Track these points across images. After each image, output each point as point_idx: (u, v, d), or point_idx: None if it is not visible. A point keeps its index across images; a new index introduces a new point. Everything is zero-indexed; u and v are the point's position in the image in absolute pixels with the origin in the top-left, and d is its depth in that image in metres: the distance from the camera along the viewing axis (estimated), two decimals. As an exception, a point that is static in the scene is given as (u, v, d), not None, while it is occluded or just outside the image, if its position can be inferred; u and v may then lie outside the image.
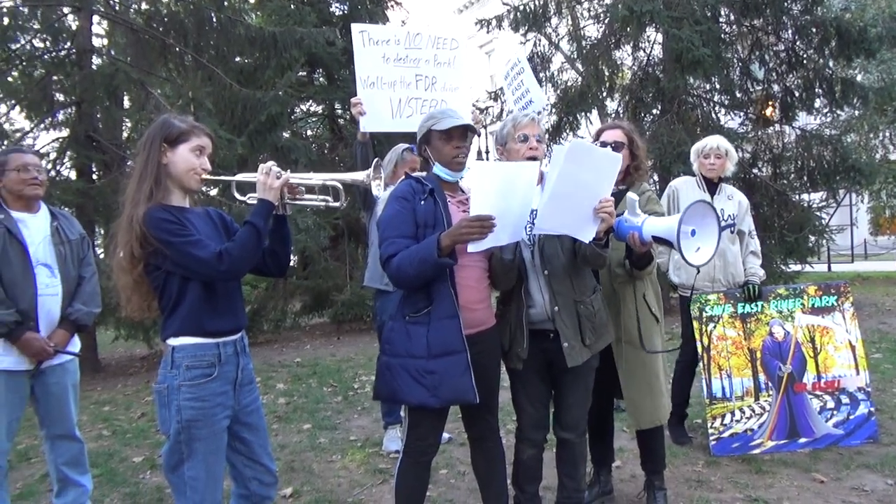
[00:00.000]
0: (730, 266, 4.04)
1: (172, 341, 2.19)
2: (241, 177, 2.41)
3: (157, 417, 2.23)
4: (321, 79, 11.90)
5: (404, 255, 2.30)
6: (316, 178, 2.37)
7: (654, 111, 10.10)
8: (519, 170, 2.25)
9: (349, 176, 2.45)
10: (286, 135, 9.74)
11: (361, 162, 3.81)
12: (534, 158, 2.52)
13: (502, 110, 11.07)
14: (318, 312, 11.32)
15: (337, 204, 2.35)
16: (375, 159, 2.55)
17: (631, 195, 2.54)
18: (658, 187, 9.21)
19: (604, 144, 2.91)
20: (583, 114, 10.39)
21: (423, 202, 2.39)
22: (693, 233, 2.31)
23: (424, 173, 2.58)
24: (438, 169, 2.52)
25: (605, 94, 10.53)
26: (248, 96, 8.28)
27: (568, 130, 10.50)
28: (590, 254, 2.48)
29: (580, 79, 10.60)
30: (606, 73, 10.47)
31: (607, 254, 2.48)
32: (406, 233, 2.35)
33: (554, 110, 10.34)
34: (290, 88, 9.13)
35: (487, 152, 19.30)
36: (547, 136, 4.69)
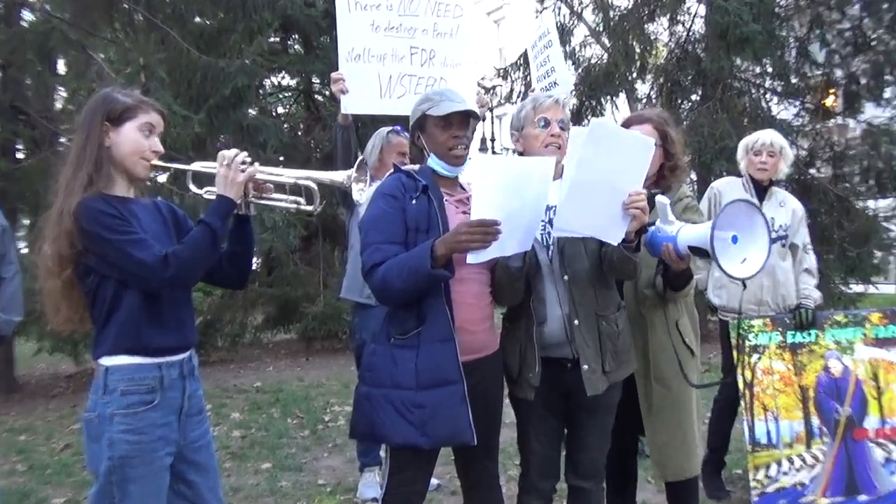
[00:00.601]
0: (780, 286, 4.06)
1: (105, 361, 2.18)
2: (198, 165, 2.41)
3: (85, 452, 2.21)
4: (297, 46, 11.77)
5: (391, 265, 2.32)
6: (287, 175, 2.41)
7: (694, 97, 10.12)
8: (531, 165, 2.28)
9: (327, 176, 2.47)
10: (253, 112, 9.73)
11: (342, 149, 3.86)
12: (556, 148, 2.57)
13: (512, 90, 11.09)
14: (284, 327, 11.30)
15: (310, 208, 2.40)
16: (360, 158, 2.60)
17: (661, 199, 2.56)
18: (696, 189, 9.23)
19: None
20: (608, 98, 10.38)
21: (414, 201, 2.42)
22: (735, 239, 2.33)
23: (417, 166, 2.59)
24: (434, 162, 2.54)
25: (635, 74, 10.54)
26: (209, 65, 8.27)
27: (589, 116, 10.50)
28: (618, 259, 2.49)
29: (606, 56, 10.59)
30: (637, 50, 10.44)
31: (638, 259, 2.50)
32: (394, 237, 2.37)
33: (574, 92, 10.31)
34: (259, 57, 9.12)
35: (493, 140, 19.37)
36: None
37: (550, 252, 2.63)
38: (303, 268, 10.70)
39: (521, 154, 2.71)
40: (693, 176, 9.42)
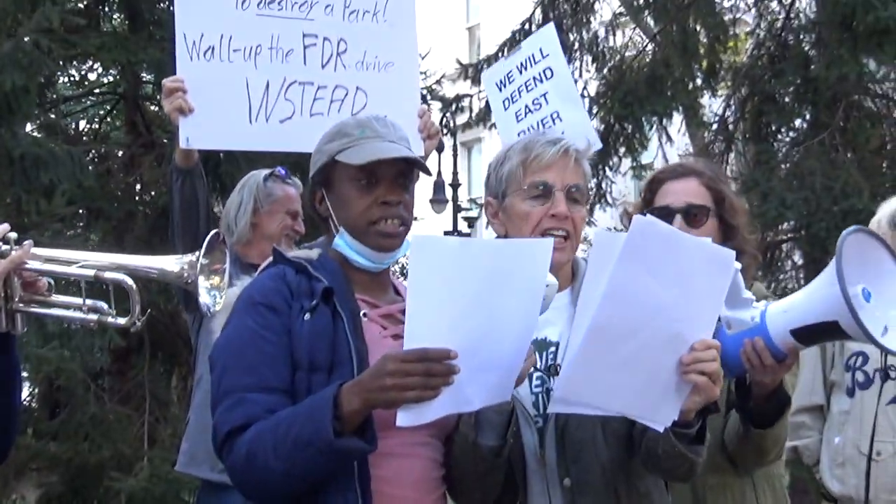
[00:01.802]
0: None
1: None
2: None
3: None
4: (115, 20, 9.17)
5: (264, 431, 1.83)
6: (83, 264, 2.12)
7: (797, 122, 7.82)
8: (511, 251, 1.90)
9: (153, 264, 2.23)
10: (32, 130, 7.81)
11: (181, 211, 3.16)
12: (562, 239, 2.13)
13: (485, 114, 8.95)
14: None
15: (122, 321, 2.13)
16: (212, 233, 2.25)
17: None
18: (804, 278, 7.35)
19: (665, 212, 2.51)
20: (653, 119, 8.34)
21: (307, 316, 1.94)
22: (867, 295, 1.99)
23: (314, 251, 2.10)
24: (345, 244, 2.05)
25: (699, 80, 8.35)
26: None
27: (620, 156, 8.66)
28: (666, 453, 1.97)
29: (651, 47, 8.44)
30: (703, 41, 8.19)
31: (703, 454, 2.00)
32: (269, 381, 1.90)
33: (597, 110, 8.40)
34: (45, 36, 6.73)
35: (456, 188, 14.16)
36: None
37: (545, 434, 2.11)
38: (113, 408, 8.14)
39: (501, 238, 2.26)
40: (796, 258, 7.66)
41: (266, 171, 3.50)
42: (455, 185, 15.80)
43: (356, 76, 3.23)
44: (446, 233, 18.52)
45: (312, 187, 2.14)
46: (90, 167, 7.79)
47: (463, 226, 18.55)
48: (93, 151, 8.87)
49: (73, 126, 9.77)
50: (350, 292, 2.02)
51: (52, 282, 2.07)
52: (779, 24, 8.09)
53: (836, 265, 1.98)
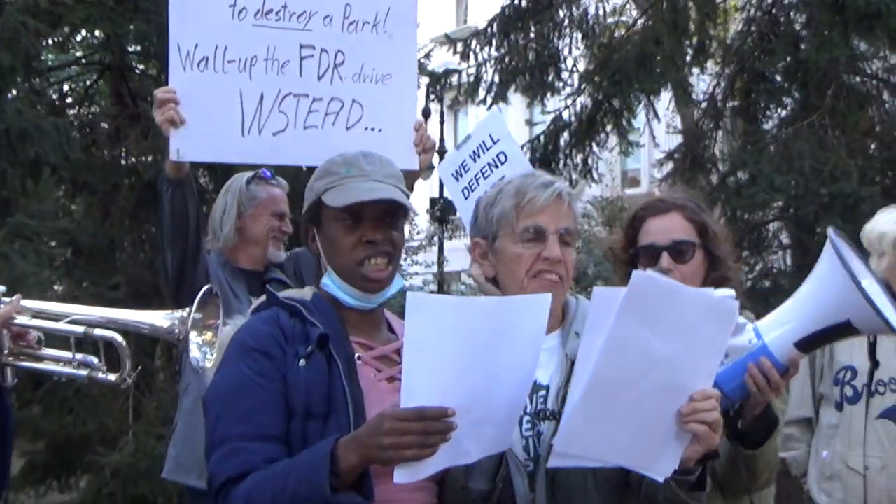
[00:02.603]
0: None
1: None
2: None
3: None
4: None
5: (261, 483, 1.80)
6: (74, 318, 2.13)
7: (786, 101, 7.71)
8: (508, 308, 1.83)
9: (143, 319, 2.22)
10: (15, 99, 7.16)
11: (171, 226, 3.04)
12: (553, 281, 2.09)
13: (480, 74, 8.70)
14: (61, 483, 8.35)
15: (112, 378, 2.16)
16: (205, 288, 2.19)
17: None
18: (792, 264, 7.46)
19: (651, 250, 2.52)
20: (641, 97, 8.23)
21: (303, 362, 1.91)
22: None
23: (308, 291, 2.09)
24: (333, 283, 2.03)
25: (689, 56, 8.10)
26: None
27: (607, 132, 8.50)
28: (668, 500, 1.94)
29: (643, 21, 8.22)
30: (694, 17, 8.00)
31: (704, 500, 1.98)
32: (265, 429, 1.86)
33: (585, 87, 8.32)
34: (31, 14, 6.52)
35: (441, 154, 13.94)
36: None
37: (536, 480, 2.06)
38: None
39: (490, 282, 2.19)
40: (784, 237, 7.50)
41: (249, 174, 3.43)
42: (441, 153, 15.58)
43: (353, 88, 3.15)
44: (433, 200, 18.20)
45: (304, 224, 2.10)
46: (76, 138, 7.47)
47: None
48: (77, 123, 8.59)
49: (58, 95, 9.43)
50: (345, 336, 1.99)
51: (42, 336, 2.11)
52: (768, 3, 7.95)
53: (840, 263, 1.95)
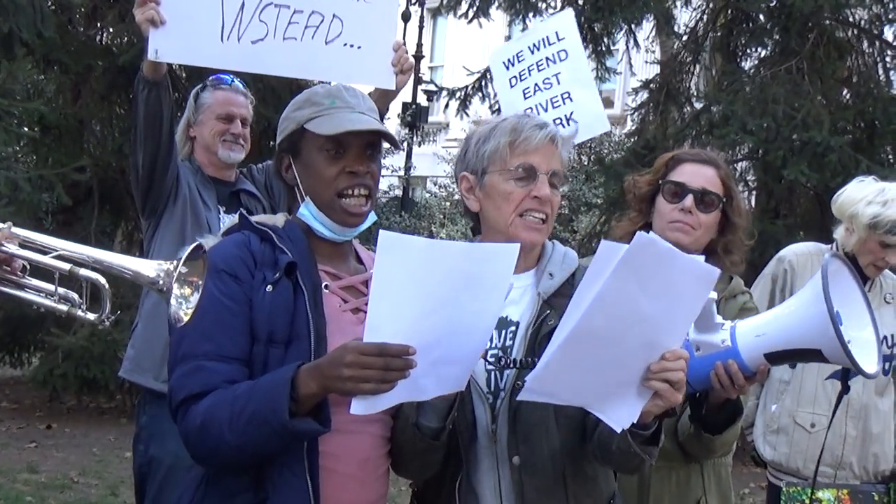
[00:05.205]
0: (872, 441, 3.28)
1: None
2: None
3: None
4: None
5: (220, 402, 1.81)
6: (61, 253, 2.10)
7: (765, 42, 7.50)
8: (481, 257, 1.83)
9: (130, 265, 2.12)
10: None
11: (145, 127, 3.02)
12: (540, 221, 2.09)
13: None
14: (13, 358, 8.28)
15: (91, 317, 2.16)
16: (195, 244, 1.99)
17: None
18: (752, 203, 7.50)
19: (680, 188, 2.56)
20: (624, 26, 7.90)
21: (269, 287, 1.91)
22: (839, 318, 2.01)
23: (280, 218, 2.07)
24: (310, 213, 2.02)
25: None
26: None
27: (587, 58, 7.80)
28: (620, 450, 1.97)
29: None
30: None
31: (656, 454, 2.01)
32: (227, 350, 1.87)
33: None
34: None
35: (418, 59, 13.37)
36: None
37: (497, 410, 2.07)
38: (54, 262, 7.19)
39: (474, 215, 2.18)
40: (749, 176, 7.50)
41: (210, 79, 3.41)
42: (418, 57, 15.12)
43: (334, 3, 3.08)
44: (405, 104, 17.84)
45: (279, 153, 2.08)
46: (51, 14, 7.09)
47: (422, 98, 17.91)
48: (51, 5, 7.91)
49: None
50: (313, 264, 1.99)
51: (27, 264, 2.06)
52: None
53: (825, 303, 1.96)
